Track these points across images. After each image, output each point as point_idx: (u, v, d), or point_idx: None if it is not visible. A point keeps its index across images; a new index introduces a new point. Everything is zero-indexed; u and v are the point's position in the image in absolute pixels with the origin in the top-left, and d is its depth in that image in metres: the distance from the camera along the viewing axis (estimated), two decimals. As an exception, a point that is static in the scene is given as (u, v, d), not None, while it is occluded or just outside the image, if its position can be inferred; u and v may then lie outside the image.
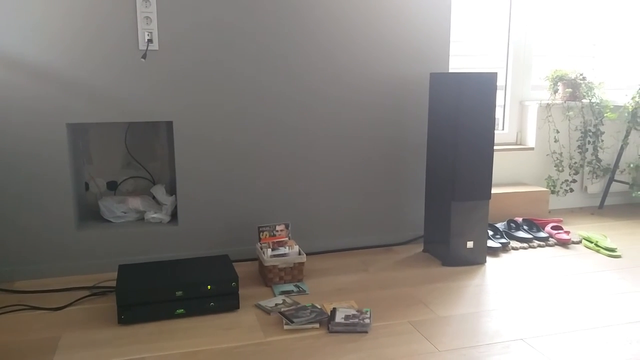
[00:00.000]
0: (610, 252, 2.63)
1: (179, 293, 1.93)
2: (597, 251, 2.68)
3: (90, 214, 2.60)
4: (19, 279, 2.30)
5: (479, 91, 2.34)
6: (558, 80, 3.38)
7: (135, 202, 2.53)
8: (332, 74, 2.54)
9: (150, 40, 2.27)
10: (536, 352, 1.71)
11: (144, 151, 2.66)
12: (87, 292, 2.17)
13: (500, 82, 3.40)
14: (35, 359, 1.67)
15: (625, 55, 3.62)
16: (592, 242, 2.75)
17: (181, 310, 1.94)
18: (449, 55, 2.69)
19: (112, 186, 2.64)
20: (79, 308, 2.03)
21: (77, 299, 2.10)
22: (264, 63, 2.44)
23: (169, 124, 2.56)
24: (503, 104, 3.46)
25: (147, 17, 2.25)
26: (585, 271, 2.42)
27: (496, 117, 3.30)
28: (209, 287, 1.96)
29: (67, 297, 2.13)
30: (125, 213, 2.52)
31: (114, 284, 2.23)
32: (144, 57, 2.26)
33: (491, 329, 1.87)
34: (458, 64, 3.24)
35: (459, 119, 2.35)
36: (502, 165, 3.39)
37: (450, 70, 2.84)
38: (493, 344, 1.77)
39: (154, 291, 1.91)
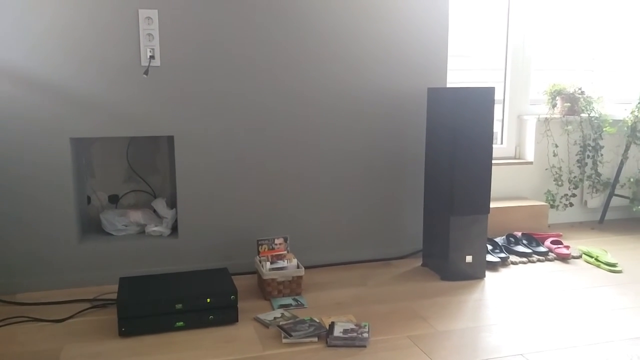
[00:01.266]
0: (611, 267, 2.63)
1: (178, 306, 1.94)
2: (598, 266, 2.68)
3: (92, 227, 2.62)
4: (21, 291, 2.31)
5: (476, 106, 2.37)
6: (556, 94, 3.40)
7: (136, 216, 2.55)
8: (330, 89, 2.58)
9: (152, 57, 2.31)
10: (534, 367, 1.72)
11: (145, 165, 2.69)
12: (88, 305, 2.18)
13: (498, 96, 3.43)
14: (35, 371, 1.68)
15: (625, 69, 3.65)
16: (592, 257, 2.75)
17: (181, 323, 1.95)
18: (446, 70, 2.72)
19: (114, 200, 2.67)
20: (80, 320, 2.05)
21: (78, 311, 2.11)
22: (263, 79, 2.48)
23: (170, 139, 2.59)
24: (501, 118, 3.48)
25: (149, 34, 2.29)
26: (585, 286, 2.42)
27: (494, 131, 3.32)
28: (208, 300, 1.97)
29: (68, 309, 2.15)
30: (126, 226, 2.54)
31: (115, 296, 2.24)
32: (146, 73, 2.30)
33: (490, 344, 1.87)
34: (456, 78, 3.27)
35: (457, 134, 2.37)
36: (501, 179, 3.41)
37: (448, 85, 2.87)
38: (492, 359, 1.77)
39: (154, 304, 1.92)
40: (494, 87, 2.39)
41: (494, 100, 2.39)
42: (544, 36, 3.46)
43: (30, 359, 1.76)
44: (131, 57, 2.30)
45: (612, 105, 3.53)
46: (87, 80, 2.27)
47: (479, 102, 2.37)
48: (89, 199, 2.64)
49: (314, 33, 2.51)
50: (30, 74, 2.21)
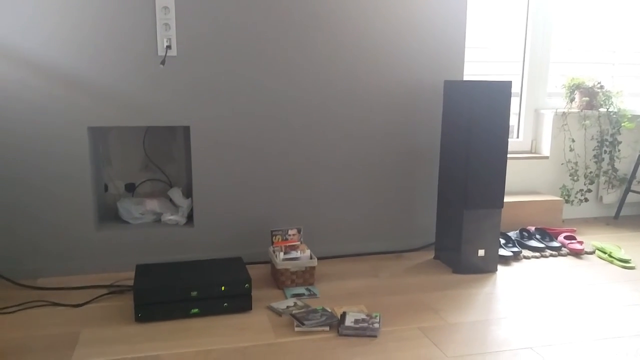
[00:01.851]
0: (624, 263, 2.61)
1: (193, 293, 1.98)
2: (611, 262, 2.67)
3: (109, 215, 2.67)
4: (41, 276, 2.37)
5: (493, 99, 2.36)
6: (575, 88, 3.36)
7: (153, 204, 2.59)
8: (347, 82, 2.58)
9: (169, 47, 2.33)
10: (544, 361, 1.73)
11: (161, 155, 2.72)
12: (105, 291, 2.23)
13: (515, 89, 3.40)
14: (57, 352, 1.73)
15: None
16: (605, 253, 2.73)
17: (196, 310, 1.99)
18: (463, 63, 2.70)
19: (131, 188, 2.71)
20: (97, 305, 2.10)
21: (96, 297, 2.17)
22: (280, 69, 2.49)
23: (187, 129, 2.62)
24: (518, 111, 3.45)
25: (166, 24, 2.32)
26: (597, 282, 2.41)
27: (511, 124, 3.30)
28: (222, 288, 2.01)
29: (86, 294, 2.20)
30: (142, 215, 2.58)
31: (131, 283, 2.29)
32: (162, 63, 2.33)
33: (500, 337, 1.88)
34: (473, 70, 3.25)
35: (472, 127, 2.37)
36: (516, 173, 3.39)
37: (465, 76, 2.85)
38: (501, 351, 1.78)
39: (170, 291, 1.96)
40: (511, 81, 2.37)
41: (510, 94, 2.37)
42: (564, 28, 3.41)
43: (49, 342, 1.81)
44: (148, 47, 2.33)
45: (631, 99, 3.48)
46: (105, 70, 2.31)
47: (496, 96, 2.35)
48: (106, 187, 2.68)
49: (332, 24, 2.51)
50: (49, 64, 2.25)
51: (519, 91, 3.42)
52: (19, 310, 2.05)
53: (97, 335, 1.86)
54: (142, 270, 2.11)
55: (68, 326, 1.92)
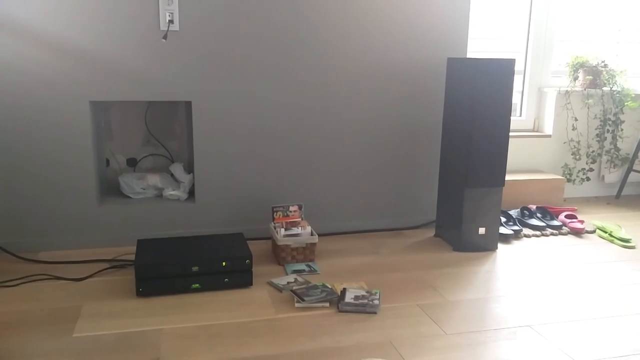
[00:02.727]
0: (625, 242, 2.62)
1: (195, 268, 1.99)
2: (611, 241, 2.68)
3: (110, 189, 2.67)
4: (43, 250, 2.39)
5: (496, 77, 2.33)
6: (579, 67, 3.33)
7: (154, 179, 2.59)
8: (348, 58, 2.55)
9: (171, 21, 2.30)
10: (543, 339, 1.74)
11: (163, 130, 2.71)
12: (107, 265, 2.24)
13: (519, 66, 3.36)
14: (59, 325, 1.75)
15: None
16: (606, 232, 2.74)
17: (197, 285, 2.00)
18: (467, 40, 2.67)
19: (132, 163, 2.70)
20: (99, 279, 2.11)
21: (97, 271, 2.18)
22: (282, 45, 2.46)
23: (188, 104, 2.60)
24: (521, 89, 3.42)
25: (168, -2, 2.28)
26: (597, 261, 2.42)
27: (514, 103, 3.27)
28: (223, 263, 2.02)
29: (88, 268, 2.21)
30: (144, 189, 2.58)
31: (132, 257, 2.30)
32: (164, 37, 2.29)
33: (499, 315, 1.90)
34: (477, 46, 3.21)
35: (475, 105, 2.35)
36: (518, 152, 3.38)
37: (468, 53, 2.81)
38: (500, 329, 1.80)
39: (171, 266, 1.97)
40: (514, 59, 2.34)
41: (513, 72, 2.35)
42: (569, 5, 3.35)
43: (51, 315, 1.83)
44: (150, 21, 2.29)
45: (635, 78, 3.44)
46: (107, 44, 2.28)
47: (499, 73, 2.33)
48: (107, 161, 2.68)
49: (334, 1, 2.47)
50: (52, 37, 2.22)
51: (523, 69, 3.39)
52: (21, 283, 2.06)
53: (99, 309, 1.87)
54: (144, 245, 2.12)
55: (70, 300, 1.94)
